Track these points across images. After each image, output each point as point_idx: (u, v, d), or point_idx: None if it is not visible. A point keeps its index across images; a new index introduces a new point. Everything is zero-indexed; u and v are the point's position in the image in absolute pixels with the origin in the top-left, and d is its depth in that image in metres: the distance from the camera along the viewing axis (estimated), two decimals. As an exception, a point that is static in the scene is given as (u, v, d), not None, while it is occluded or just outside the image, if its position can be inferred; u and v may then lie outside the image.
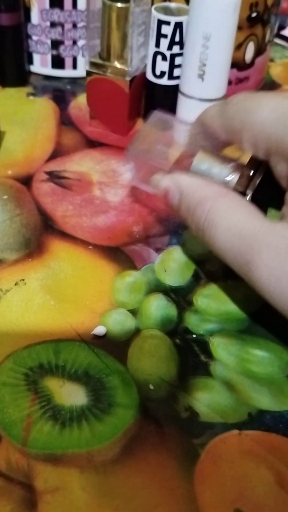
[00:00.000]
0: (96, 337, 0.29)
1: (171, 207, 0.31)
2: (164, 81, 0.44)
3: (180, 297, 0.32)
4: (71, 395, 0.27)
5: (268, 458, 0.25)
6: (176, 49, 0.42)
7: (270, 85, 0.55)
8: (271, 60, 0.59)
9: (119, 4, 0.40)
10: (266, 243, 0.26)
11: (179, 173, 0.32)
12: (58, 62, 0.51)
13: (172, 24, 0.41)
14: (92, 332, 0.30)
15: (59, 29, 0.49)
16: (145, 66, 0.44)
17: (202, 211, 0.29)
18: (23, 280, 0.32)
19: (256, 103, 0.28)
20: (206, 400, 0.27)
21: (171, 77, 0.43)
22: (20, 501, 0.23)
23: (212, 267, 0.34)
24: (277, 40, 0.63)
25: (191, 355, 0.29)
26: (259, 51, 0.50)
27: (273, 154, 0.28)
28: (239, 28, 0.44)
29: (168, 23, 0.41)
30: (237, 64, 0.48)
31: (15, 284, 0.32)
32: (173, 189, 0.31)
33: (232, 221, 0.27)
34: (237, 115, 0.29)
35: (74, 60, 0.51)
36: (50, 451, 0.24)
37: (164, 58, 0.42)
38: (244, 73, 0.50)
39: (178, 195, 0.30)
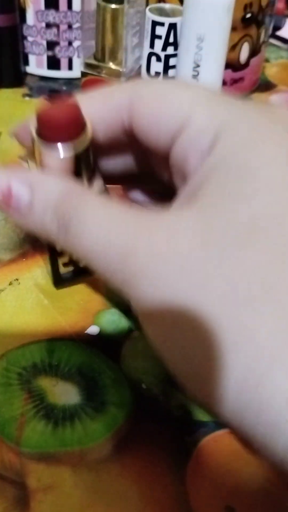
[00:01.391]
0: (90, 336, 0.30)
1: (17, 209, 0.24)
2: (159, 81, 0.44)
3: (174, 296, 0.32)
4: (64, 394, 0.27)
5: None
6: (170, 50, 0.42)
7: (265, 86, 0.55)
8: (267, 60, 0.59)
9: (113, 6, 0.40)
10: (149, 244, 0.20)
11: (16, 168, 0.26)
12: (53, 63, 0.52)
13: (166, 25, 0.41)
14: (86, 332, 0.30)
15: (54, 30, 0.50)
16: (140, 67, 0.44)
17: (67, 207, 0.23)
18: (17, 279, 0.32)
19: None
20: (199, 398, 0.27)
21: (165, 77, 0.44)
22: (13, 499, 0.23)
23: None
24: (273, 41, 0.63)
25: (184, 354, 0.29)
26: (254, 52, 0.50)
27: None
28: (234, 29, 0.45)
29: (162, 24, 0.41)
30: (232, 64, 0.49)
31: (9, 284, 0.32)
32: (20, 184, 0.24)
33: (108, 215, 0.22)
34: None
35: (70, 61, 0.52)
36: (43, 449, 0.25)
37: (158, 59, 0.43)
38: (239, 74, 0.50)
39: (27, 190, 0.24)
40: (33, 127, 0.24)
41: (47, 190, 0.23)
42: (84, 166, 0.25)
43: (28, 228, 0.25)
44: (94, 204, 0.22)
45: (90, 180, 0.26)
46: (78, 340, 0.29)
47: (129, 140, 0.25)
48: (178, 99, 0.23)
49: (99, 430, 0.26)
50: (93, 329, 0.30)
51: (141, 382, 0.28)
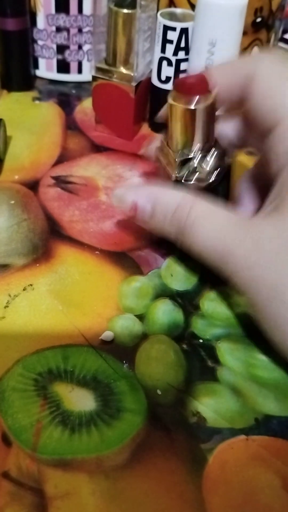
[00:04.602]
0: (104, 342, 0.30)
1: (141, 218, 0.31)
2: (170, 86, 0.44)
3: (187, 301, 0.32)
4: (80, 400, 0.27)
5: (275, 463, 0.25)
6: (181, 54, 0.42)
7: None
8: (275, 64, 0.59)
9: (125, 10, 0.40)
10: (243, 245, 0.27)
11: (139, 185, 0.32)
12: (63, 67, 0.52)
13: (178, 30, 0.41)
14: (100, 337, 0.30)
15: (64, 33, 0.50)
16: (151, 71, 0.44)
17: (183, 213, 0.29)
18: (31, 285, 0.33)
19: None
20: (213, 405, 0.27)
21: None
22: (31, 506, 0.23)
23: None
24: (281, 44, 0.63)
25: (198, 360, 0.29)
26: (263, 56, 0.50)
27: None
28: (244, 33, 0.45)
29: (173, 28, 0.41)
30: (242, 68, 0.49)
31: (23, 289, 0.32)
32: (143, 200, 0.31)
33: (214, 221, 0.29)
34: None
35: (79, 65, 0.52)
36: (59, 456, 0.25)
37: (169, 63, 0.43)
38: (249, 78, 0.50)
39: (150, 205, 0.31)
40: (170, 97, 0.30)
41: (166, 202, 0.30)
42: (208, 120, 0.30)
43: (150, 229, 0.32)
44: (202, 210, 0.29)
45: (210, 135, 0.31)
46: (92, 346, 0.29)
47: (242, 110, 0.31)
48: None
49: (115, 437, 0.26)
50: (107, 335, 0.30)
51: (156, 388, 0.28)
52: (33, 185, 0.40)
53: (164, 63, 0.43)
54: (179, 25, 0.41)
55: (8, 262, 0.34)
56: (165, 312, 0.31)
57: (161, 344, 0.30)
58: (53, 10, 0.48)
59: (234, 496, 0.24)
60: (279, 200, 0.28)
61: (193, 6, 0.44)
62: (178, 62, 0.43)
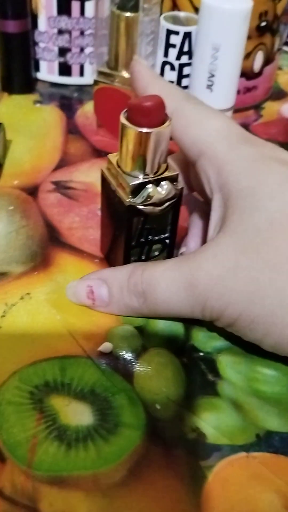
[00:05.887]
0: (102, 354, 0.29)
1: (100, 301, 0.30)
2: (172, 91, 0.43)
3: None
4: (77, 414, 0.26)
5: (275, 482, 0.25)
6: (184, 59, 0.42)
7: (277, 94, 0.54)
8: (279, 68, 0.58)
9: (127, 14, 0.40)
10: (202, 269, 0.27)
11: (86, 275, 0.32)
12: (65, 70, 0.51)
13: (181, 34, 0.41)
14: (98, 349, 0.29)
15: (66, 36, 0.49)
16: (153, 75, 0.44)
17: (137, 278, 0.29)
18: (28, 294, 0.32)
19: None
20: (214, 421, 0.27)
21: (179, 87, 0.43)
22: (25, 525, 0.23)
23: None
24: (285, 48, 0.62)
25: (199, 374, 0.29)
26: (267, 60, 0.49)
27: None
28: (248, 37, 0.44)
29: (177, 33, 0.41)
30: (246, 73, 0.48)
31: (21, 298, 0.32)
32: (96, 283, 0.30)
33: (166, 269, 0.28)
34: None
35: (81, 68, 0.51)
36: (55, 473, 0.24)
37: (172, 68, 0.42)
38: (252, 82, 0.50)
39: (104, 286, 0.30)
40: (123, 117, 0.28)
41: (118, 276, 0.30)
42: (162, 143, 0.29)
43: (115, 314, 0.31)
44: (153, 268, 0.29)
45: (163, 158, 0.29)
46: (90, 358, 0.29)
47: None
48: (207, 127, 0.30)
49: (112, 453, 0.25)
50: (106, 346, 0.29)
51: (155, 402, 0.27)
52: (32, 191, 0.40)
53: (167, 67, 0.42)
54: (182, 29, 0.40)
55: (5, 270, 0.33)
56: (165, 325, 0.31)
57: (160, 357, 0.29)
58: (55, 13, 0.48)
59: (234, 516, 0.24)
60: (221, 222, 0.28)
61: (196, 10, 0.43)
62: (181, 66, 0.42)
